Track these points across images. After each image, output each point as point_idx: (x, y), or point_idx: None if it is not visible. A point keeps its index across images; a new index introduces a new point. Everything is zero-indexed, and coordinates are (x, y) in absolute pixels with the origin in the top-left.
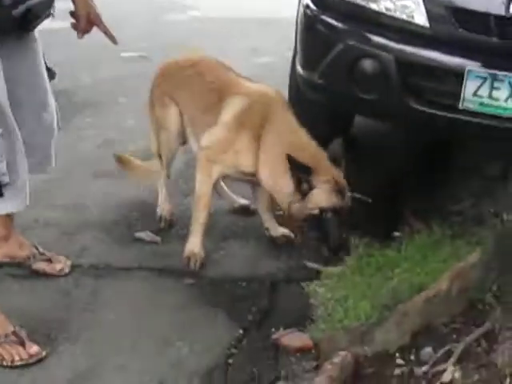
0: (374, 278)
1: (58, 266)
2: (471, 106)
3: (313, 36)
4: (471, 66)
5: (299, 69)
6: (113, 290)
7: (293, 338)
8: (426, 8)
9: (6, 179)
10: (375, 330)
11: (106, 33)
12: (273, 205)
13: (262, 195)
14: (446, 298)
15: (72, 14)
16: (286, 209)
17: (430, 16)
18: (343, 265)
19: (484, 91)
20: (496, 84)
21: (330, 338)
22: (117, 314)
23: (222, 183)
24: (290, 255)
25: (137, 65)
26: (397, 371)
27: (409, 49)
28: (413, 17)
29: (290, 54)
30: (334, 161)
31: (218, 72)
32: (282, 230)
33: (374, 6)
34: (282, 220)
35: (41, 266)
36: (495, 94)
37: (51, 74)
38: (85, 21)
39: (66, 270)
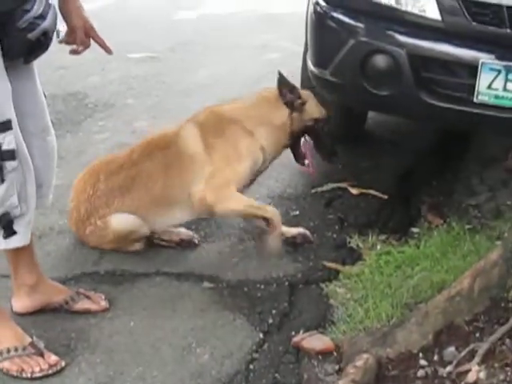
0: (394, 276)
1: (103, 303)
2: (486, 99)
3: (323, 33)
4: (485, 58)
5: (311, 66)
6: (131, 297)
7: (314, 341)
8: (437, 1)
9: (17, 212)
10: (397, 331)
11: (102, 44)
12: None
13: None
14: (468, 297)
15: (61, 41)
16: (289, 127)
17: (442, 9)
18: (362, 264)
19: (498, 84)
20: (510, 76)
21: (351, 339)
22: (135, 321)
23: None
24: (307, 256)
25: (146, 65)
26: (420, 372)
27: (421, 43)
28: (425, 10)
29: (301, 50)
30: None
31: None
32: (298, 230)
33: (384, 1)
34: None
35: (83, 305)
36: (510, 86)
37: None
38: (82, 33)
39: (107, 305)
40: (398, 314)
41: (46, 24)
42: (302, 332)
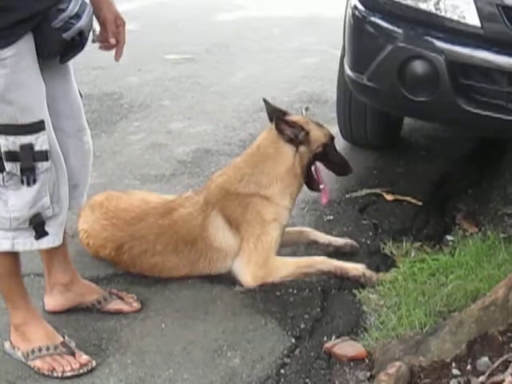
0: (427, 284)
1: (135, 304)
2: None
3: (361, 37)
4: None
5: (348, 70)
6: (163, 299)
7: (346, 347)
8: (476, 7)
9: (49, 213)
10: (430, 339)
11: (119, 45)
12: None
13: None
14: (503, 307)
15: (94, 41)
16: (298, 165)
17: (482, 15)
18: (395, 271)
19: None
20: None
21: (383, 346)
22: (167, 323)
23: None
24: None
25: (182, 67)
26: (453, 382)
27: (460, 49)
28: (464, 17)
29: (338, 54)
30: None
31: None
32: (345, 240)
33: (423, 6)
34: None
35: (115, 306)
36: None
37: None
38: (113, 26)
39: (139, 306)
40: (432, 322)
41: (81, 23)
42: (333, 338)
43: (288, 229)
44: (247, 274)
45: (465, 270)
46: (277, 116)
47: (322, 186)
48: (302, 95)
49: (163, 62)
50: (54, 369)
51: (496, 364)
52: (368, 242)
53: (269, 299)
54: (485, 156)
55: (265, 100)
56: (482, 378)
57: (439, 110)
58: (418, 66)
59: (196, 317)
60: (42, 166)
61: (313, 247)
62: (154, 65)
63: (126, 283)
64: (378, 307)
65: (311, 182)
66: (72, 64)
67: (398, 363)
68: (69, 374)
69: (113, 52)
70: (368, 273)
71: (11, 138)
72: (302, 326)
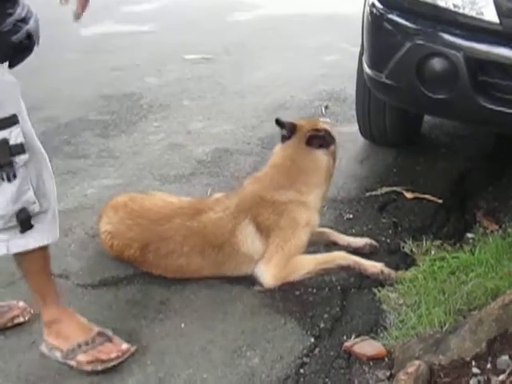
0: (447, 282)
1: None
2: None
3: (379, 35)
4: None
5: (366, 68)
6: (182, 299)
7: (365, 346)
8: (495, 3)
9: (36, 208)
10: (450, 338)
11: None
12: None
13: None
14: None
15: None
16: (332, 164)
17: (500, 12)
18: (415, 269)
19: None
20: None
21: (403, 345)
22: (186, 323)
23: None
24: None
25: (201, 67)
26: (473, 380)
27: (479, 46)
28: (482, 13)
29: (357, 51)
30: None
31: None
32: (365, 240)
33: (441, 3)
34: None
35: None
36: None
37: None
38: None
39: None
40: (451, 320)
41: (28, 27)
42: (353, 337)
43: None
44: (269, 275)
45: (485, 267)
46: (310, 135)
47: None
48: (321, 93)
49: (182, 62)
50: (98, 359)
51: None
52: (388, 240)
53: (288, 299)
54: (505, 153)
55: (277, 120)
56: (502, 377)
57: (458, 107)
58: (437, 63)
59: (215, 317)
60: (19, 159)
61: (332, 248)
62: (173, 65)
63: (146, 284)
64: (398, 306)
65: None
66: (91, 65)
67: (417, 362)
68: (114, 362)
69: (133, 52)
70: (386, 270)
71: None
72: (322, 325)
